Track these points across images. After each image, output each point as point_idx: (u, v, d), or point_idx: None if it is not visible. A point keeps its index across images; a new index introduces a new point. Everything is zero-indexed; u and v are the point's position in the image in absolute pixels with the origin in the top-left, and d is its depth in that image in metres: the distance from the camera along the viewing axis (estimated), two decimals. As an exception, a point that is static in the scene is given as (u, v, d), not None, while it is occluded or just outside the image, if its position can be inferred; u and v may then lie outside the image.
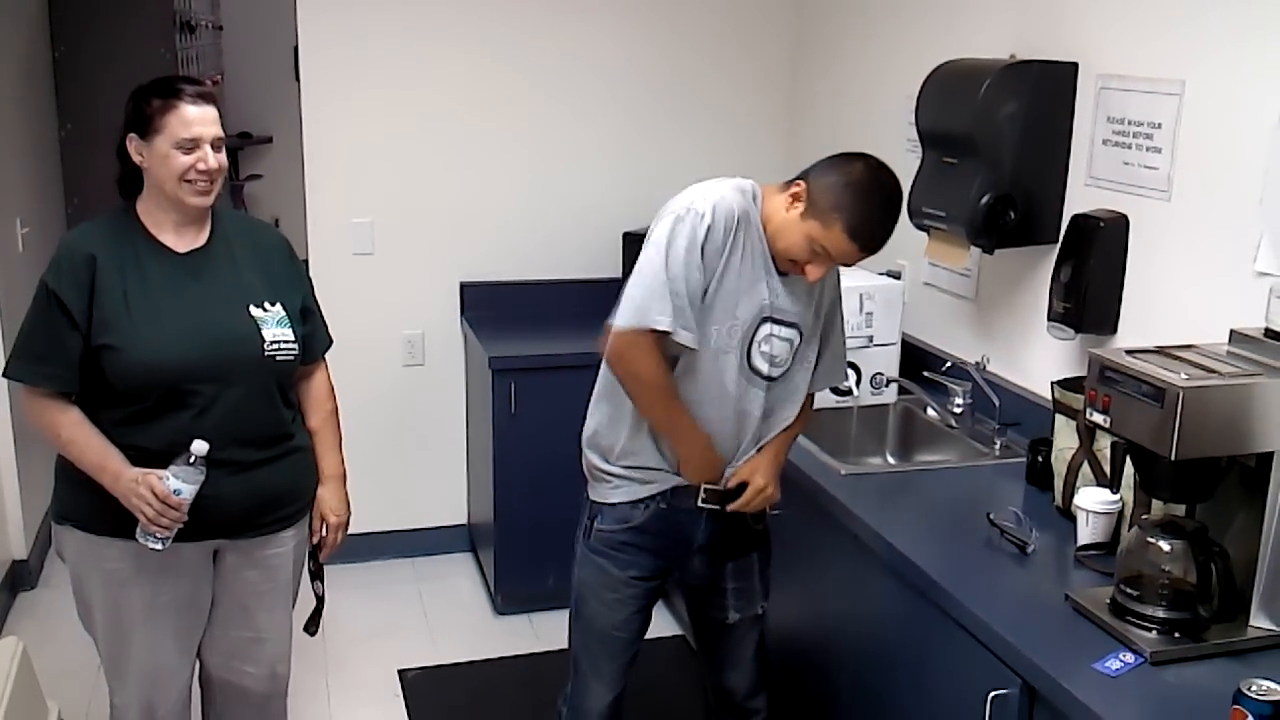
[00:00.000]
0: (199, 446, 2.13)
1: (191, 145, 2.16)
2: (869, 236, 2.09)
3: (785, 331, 2.23)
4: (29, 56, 4.40)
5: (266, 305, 2.28)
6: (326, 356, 2.50)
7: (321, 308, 2.48)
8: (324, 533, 2.46)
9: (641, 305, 2.11)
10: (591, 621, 2.40)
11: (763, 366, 2.24)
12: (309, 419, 2.45)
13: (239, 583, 2.38)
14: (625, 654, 2.40)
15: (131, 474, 2.14)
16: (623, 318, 2.13)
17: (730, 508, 2.29)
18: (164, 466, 2.14)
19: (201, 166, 2.17)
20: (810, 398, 2.39)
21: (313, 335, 2.42)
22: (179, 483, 2.12)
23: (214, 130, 2.20)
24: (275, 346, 2.26)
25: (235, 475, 2.23)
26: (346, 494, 2.51)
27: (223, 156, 2.22)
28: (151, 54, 4.76)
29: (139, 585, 2.26)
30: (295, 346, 2.30)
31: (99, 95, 4.41)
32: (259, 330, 2.24)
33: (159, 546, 2.17)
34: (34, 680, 2.64)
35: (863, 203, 2.08)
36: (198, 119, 2.17)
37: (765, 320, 2.21)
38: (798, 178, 2.16)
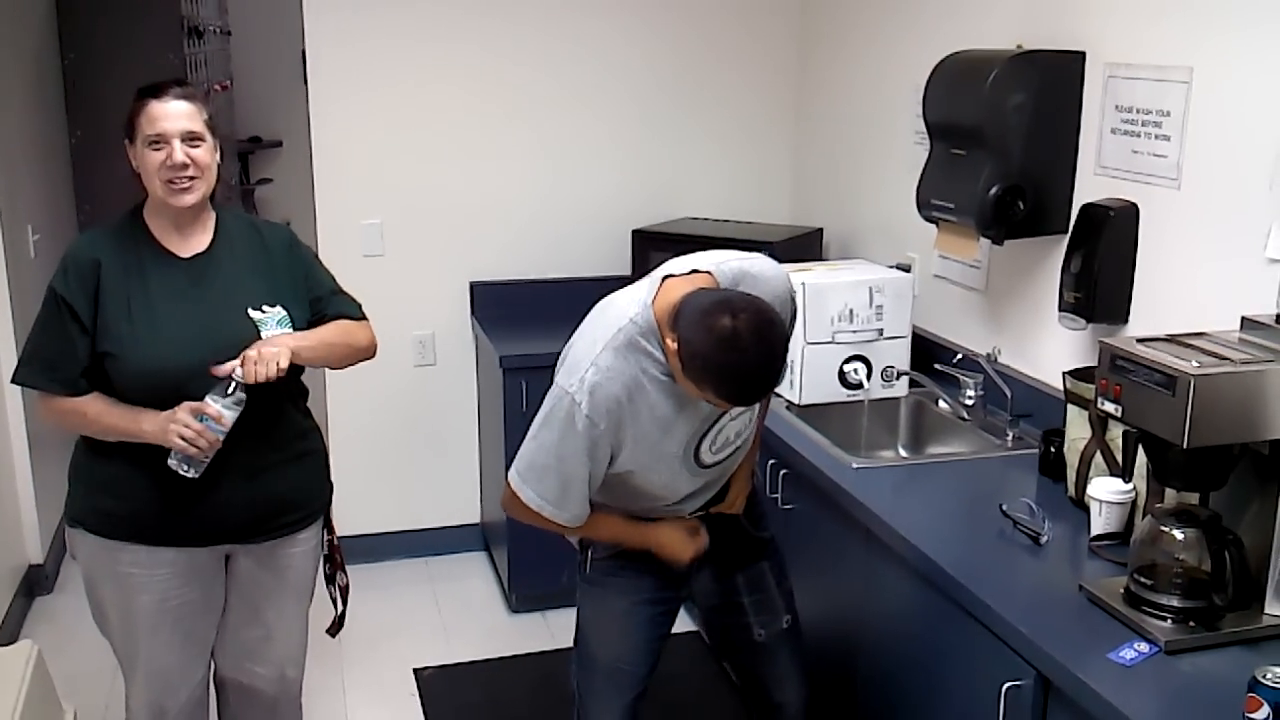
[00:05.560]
0: (236, 373, 2.10)
1: (158, 140, 2.15)
2: (748, 394, 1.97)
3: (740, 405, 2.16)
4: (39, 63, 4.43)
5: (265, 307, 2.26)
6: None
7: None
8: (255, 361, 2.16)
9: (523, 474, 2.11)
10: (597, 658, 2.35)
11: (717, 456, 2.21)
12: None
13: (250, 584, 2.39)
14: (634, 690, 2.34)
15: (168, 412, 2.12)
16: (512, 472, 2.14)
17: (714, 509, 2.31)
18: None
19: (169, 162, 2.14)
20: None
21: (331, 309, 2.39)
22: (219, 406, 2.10)
23: (182, 125, 2.15)
24: None
25: (242, 482, 2.24)
26: (290, 350, 2.19)
27: (201, 153, 2.18)
28: (160, 60, 4.75)
29: (150, 589, 2.27)
30: None
31: (108, 101, 4.39)
32: (258, 333, 2.22)
33: (193, 474, 2.14)
34: (49, 683, 2.66)
35: (727, 369, 1.92)
36: (162, 114, 2.15)
37: (715, 421, 2.15)
38: (674, 326, 1.97)
